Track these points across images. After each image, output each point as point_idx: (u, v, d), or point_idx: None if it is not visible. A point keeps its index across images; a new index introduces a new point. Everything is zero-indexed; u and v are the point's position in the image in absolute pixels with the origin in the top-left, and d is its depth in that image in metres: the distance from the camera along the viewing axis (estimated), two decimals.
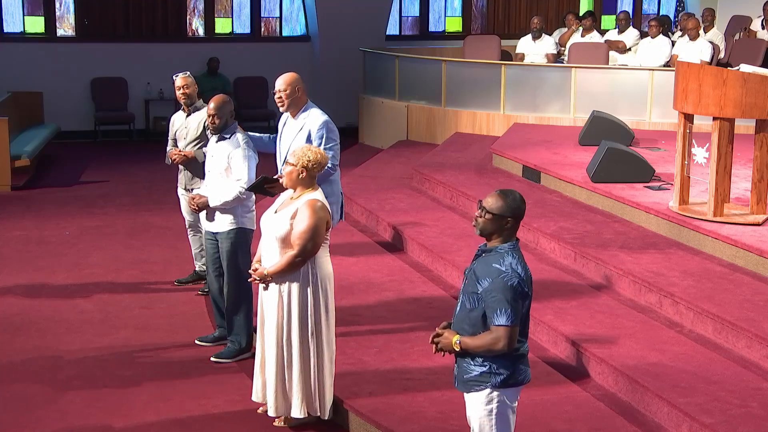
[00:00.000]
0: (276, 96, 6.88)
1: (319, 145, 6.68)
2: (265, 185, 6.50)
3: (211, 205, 6.80)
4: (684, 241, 8.06)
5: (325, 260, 5.82)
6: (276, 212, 5.83)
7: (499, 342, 4.32)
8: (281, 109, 6.93)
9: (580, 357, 6.44)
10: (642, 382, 5.88)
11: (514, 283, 4.30)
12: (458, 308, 4.51)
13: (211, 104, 6.83)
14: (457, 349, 4.43)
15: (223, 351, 6.92)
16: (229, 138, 6.80)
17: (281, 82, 6.85)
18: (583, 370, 6.38)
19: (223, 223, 6.82)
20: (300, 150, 5.77)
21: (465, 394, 4.53)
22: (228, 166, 6.74)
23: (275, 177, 6.55)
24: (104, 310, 7.90)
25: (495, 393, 4.43)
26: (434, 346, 4.51)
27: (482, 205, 4.42)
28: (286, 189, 5.90)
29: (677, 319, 6.84)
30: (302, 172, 5.71)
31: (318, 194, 5.78)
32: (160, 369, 6.77)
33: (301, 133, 6.84)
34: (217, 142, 6.87)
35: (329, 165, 6.59)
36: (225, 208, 6.78)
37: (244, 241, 6.84)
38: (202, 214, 6.98)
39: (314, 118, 6.85)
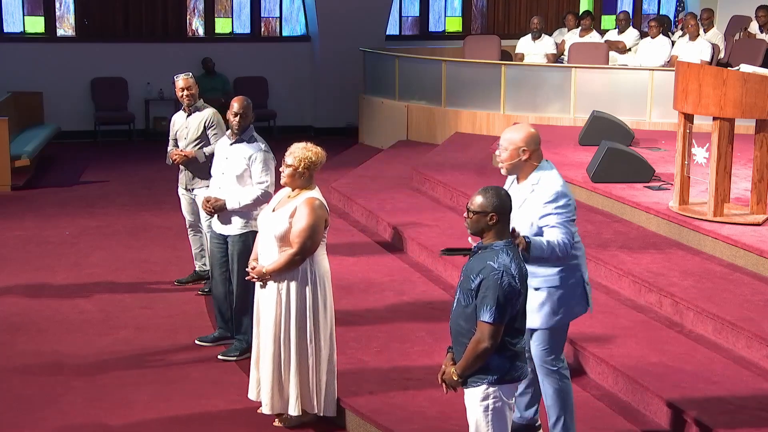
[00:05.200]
0: (497, 153, 5.26)
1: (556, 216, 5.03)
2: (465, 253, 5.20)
3: (228, 208, 6.77)
4: (684, 241, 8.06)
5: (322, 258, 5.84)
6: (274, 211, 5.84)
7: (481, 342, 4.36)
8: (502, 171, 5.23)
9: (580, 357, 6.44)
10: (642, 381, 5.88)
11: (504, 283, 4.33)
12: (455, 304, 4.56)
13: (235, 104, 6.80)
14: (456, 378, 4.46)
15: (230, 348, 6.93)
16: (248, 141, 6.78)
17: (504, 138, 5.15)
18: (583, 370, 6.38)
19: (235, 226, 6.81)
20: (298, 150, 5.77)
21: (464, 390, 4.55)
22: (247, 169, 6.71)
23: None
24: (104, 310, 7.90)
25: (491, 389, 4.45)
26: (444, 385, 4.56)
27: (468, 205, 4.51)
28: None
29: (677, 319, 6.84)
30: (305, 173, 5.73)
31: (316, 193, 5.79)
32: (160, 369, 6.78)
33: (527, 204, 5.10)
34: (232, 144, 6.83)
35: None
36: (240, 211, 6.76)
37: (253, 243, 6.83)
38: (206, 215, 6.95)
39: (547, 181, 5.10)
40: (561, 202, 5.02)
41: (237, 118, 6.76)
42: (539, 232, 5.03)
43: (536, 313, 5.12)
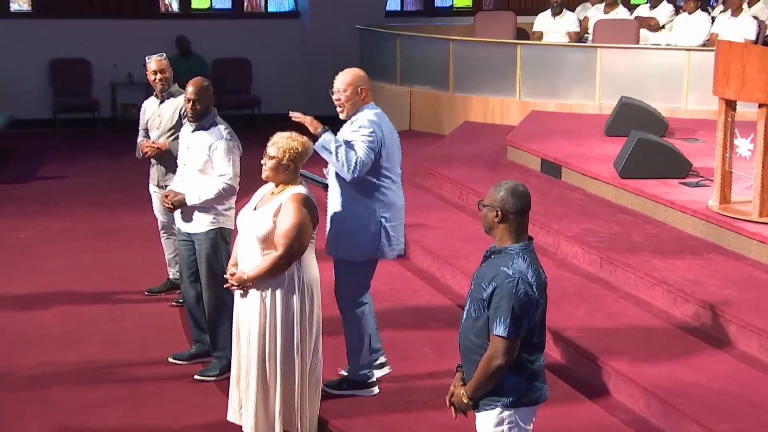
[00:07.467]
0: (334, 98, 6.36)
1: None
2: None
3: (188, 204, 6.80)
4: (725, 245, 8.08)
5: (311, 262, 5.85)
6: (255, 209, 5.84)
7: (494, 359, 4.34)
8: (341, 116, 6.39)
9: (606, 376, 6.46)
10: (677, 405, 5.89)
11: (520, 292, 4.32)
12: (464, 316, 4.55)
13: (189, 88, 6.82)
14: (465, 401, 4.47)
15: (209, 367, 6.95)
16: (209, 128, 6.81)
17: (340, 81, 6.31)
18: (610, 391, 6.40)
19: (201, 224, 6.83)
20: (282, 140, 5.77)
21: (476, 413, 4.55)
22: (208, 160, 6.74)
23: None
24: (66, 323, 7.91)
25: (506, 413, 4.45)
26: (452, 409, 4.56)
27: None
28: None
29: (717, 333, 6.85)
30: (290, 166, 5.73)
31: (303, 188, 5.79)
32: (129, 390, 6.79)
33: (341, 135, 6.31)
34: (193, 131, 6.86)
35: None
36: (204, 206, 6.78)
37: (223, 242, 6.85)
38: (177, 214, 6.98)
39: (362, 115, 6.33)
40: (365, 131, 6.18)
41: (190, 104, 6.78)
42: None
43: (330, 243, 6.35)
